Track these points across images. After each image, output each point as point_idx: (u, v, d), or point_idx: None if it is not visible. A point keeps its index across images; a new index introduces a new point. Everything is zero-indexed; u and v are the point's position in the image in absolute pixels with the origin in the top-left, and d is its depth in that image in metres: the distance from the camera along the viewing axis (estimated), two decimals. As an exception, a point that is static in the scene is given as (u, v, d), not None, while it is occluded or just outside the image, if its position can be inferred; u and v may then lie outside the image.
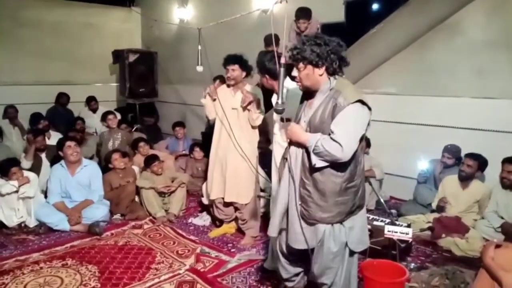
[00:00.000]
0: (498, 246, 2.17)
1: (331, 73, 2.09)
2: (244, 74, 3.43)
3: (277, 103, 2.11)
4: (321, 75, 2.09)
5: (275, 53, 2.26)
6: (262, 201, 4.31)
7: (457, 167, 3.97)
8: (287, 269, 2.44)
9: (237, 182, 3.59)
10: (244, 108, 3.46)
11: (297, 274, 2.45)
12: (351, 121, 2.01)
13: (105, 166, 4.81)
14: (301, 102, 2.28)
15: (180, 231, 4.07)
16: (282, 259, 2.43)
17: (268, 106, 3.38)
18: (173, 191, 4.49)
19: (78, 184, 4.31)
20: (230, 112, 3.53)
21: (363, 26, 4.53)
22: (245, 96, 3.40)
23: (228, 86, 3.58)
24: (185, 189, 4.64)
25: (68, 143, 4.29)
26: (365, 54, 4.62)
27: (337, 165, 2.07)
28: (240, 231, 3.88)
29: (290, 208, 2.24)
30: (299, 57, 2.08)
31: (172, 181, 4.58)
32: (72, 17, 7.64)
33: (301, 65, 2.10)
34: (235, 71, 3.39)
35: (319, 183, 2.10)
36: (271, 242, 2.96)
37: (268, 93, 3.21)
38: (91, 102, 7.04)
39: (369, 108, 2.08)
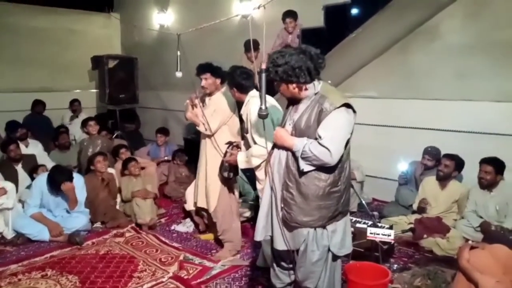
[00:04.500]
0: (473, 247, 2.19)
1: (303, 83, 2.10)
2: (218, 80, 3.43)
3: (260, 108, 2.11)
4: (294, 88, 2.12)
5: (253, 63, 2.27)
6: (245, 208, 4.31)
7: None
8: (280, 278, 2.43)
9: (205, 189, 3.54)
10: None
11: (290, 284, 2.44)
12: (338, 126, 2.04)
13: (87, 169, 4.74)
14: (287, 107, 2.30)
15: (163, 238, 4.03)
16: (276, 268, 2.42)
17: (240, 117, 3.40)
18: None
19: (61, 200, 4.19)
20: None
21: (342, 31, 4.58)
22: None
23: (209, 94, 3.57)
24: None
25: (63, 185, 4.08)
26: (345, 58, 4.67)
27: (322, 169, 2.08)
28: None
29: (273, 212, 2.24)
30: (271, 76, 2.13)
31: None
32: (50, 23, 7.51)
33: (276, 83, 2.16)
34: (207, 79, 3.39)
35: (302, 186, 2.11)
36: (263, 241, 2.96)
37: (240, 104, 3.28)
38: (75, 103, 7.02)
39: (354, 112, 2.11)
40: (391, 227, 3.24)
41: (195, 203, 3.74)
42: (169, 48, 6.71)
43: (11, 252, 3.80)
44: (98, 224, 4.37)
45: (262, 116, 2.13)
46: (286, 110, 2.31)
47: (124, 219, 4.39)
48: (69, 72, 7.71)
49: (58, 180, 4.07)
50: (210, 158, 3.46)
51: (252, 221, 4.14)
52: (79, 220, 4.16)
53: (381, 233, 3.01)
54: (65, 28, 7.71)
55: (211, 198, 3.50)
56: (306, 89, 2.13)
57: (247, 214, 4.29)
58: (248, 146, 3.18)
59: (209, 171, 3.48)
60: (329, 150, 1.98)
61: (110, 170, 4.75)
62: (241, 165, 3.12)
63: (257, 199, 3.45)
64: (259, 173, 3.13)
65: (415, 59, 4.58)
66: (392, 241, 3.19)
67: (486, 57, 4.09)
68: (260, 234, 2.31)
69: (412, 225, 3.80)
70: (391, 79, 4.80)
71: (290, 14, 4.83)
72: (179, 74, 3.58)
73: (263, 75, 2.09)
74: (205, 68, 3.38)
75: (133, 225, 4.33)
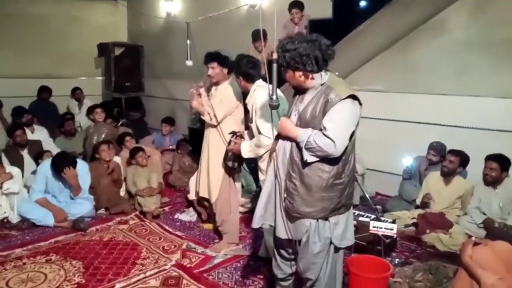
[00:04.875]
0: (476, 244, 2.19)
1: (310, 72, 2.09)
2: (225, 70, 3.41)
3: (271, 98, 2.10)
4: (300, 76, 2.11)
5: (262, 49, 2.26)
6: (247, 199, 4.32)
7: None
8: (282, 269, 2.44)
9: (208, 178, 3.53)
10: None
11: (291, 274, 2.45)
12: (343, 117, 2.03)
13: (92, 156, 4.77)
14: (293, 96, 2.29)
15: (166, 227, 4.06)
16: (278, 258, 2.44)
17: (244, 107, 3.41)
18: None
19: (65, 187, 4.21)
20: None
21: (350, 23, 4.56)
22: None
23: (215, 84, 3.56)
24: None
25: (65, 172, 4.09)
26: (352, 51, 4.64)
27: (326, 160, 2.07)
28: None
29: (277, 201, 2.25)
30: (279, 62, 2.12)
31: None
32: (56, 10, 7.50)
33: (282, 69, 2.15)
34: (214, 68, 3.37)
35: (306, 177, 2.11)
36: (265, 231, 2.99)
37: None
38: (76, 91, 7.01)
39: (360, 104, 2.10)
40: (394, 221, 3.24)
41: (197, 193, 3.76)
42: (176, 37, 6.73)
43: (16, 236, 3.84)
44: (102, 211, 4.41)
45: (273, 106, 2.12)
46: (292, 100, 2.30)
47: (127, 205, 4.44)
48: (75, 59, 7.71)
49: (61, 166, 4.09)
50: (213, 148, 3.47)
51: (253, 212, 4.16)
52: (83, 206, 4.19)
53: (383, 227, 3.02)
54: (72, 15, 7.70)
55: (213, 188, 3.50)
56: (312, 78, 2.12)
57: (249, 205, 4.30)
58: (252, 136, 3.18)
59: (211, 161, 3.48)
60: (333, 141, 1.98)
61: (116, 158, 4.78)
62: (245, 154, 3.12)
63: (260, 190, 3.45)
64: (262, 164, 3.13)
65: (420, 54, 4.55)
66: (395, 235, 3.20)
67: (491, 54, 4.06)
68: (257, 222, 2.33)
69: (415, 220, 3.81)
70: (397, 73, 4.78)
71: (296, 5, 4.80)
72: (189, 62, 3.57)
73: (274, 65, 2.08)
74: (213, 57, 3.37)
75: (137, 212, 4.37)
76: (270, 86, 2.14)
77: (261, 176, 3.21)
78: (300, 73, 2.10)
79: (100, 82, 8.08)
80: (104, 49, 7.24)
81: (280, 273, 2.45)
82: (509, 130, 3.99)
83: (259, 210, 2.33)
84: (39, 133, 5.54)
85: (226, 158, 3.31)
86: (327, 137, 1.99)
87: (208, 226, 4.03)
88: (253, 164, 3.97)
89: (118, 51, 7.11)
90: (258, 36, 4.91)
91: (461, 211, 3.87)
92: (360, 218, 3.43)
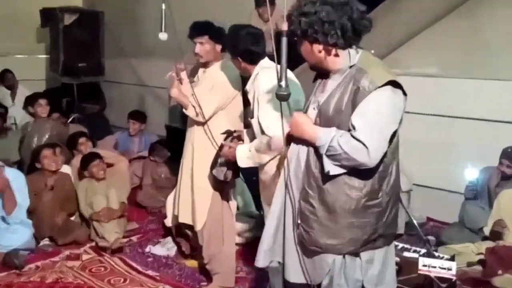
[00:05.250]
0: None
1: (333, 46, 2.06)
2: (218, 47, 3.42)
3: (280, 86, 2.09)
4: (320, 51, 2.10)
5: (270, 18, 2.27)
6: (245, 225, 4.32)
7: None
8: None
9: (192, 197, 3.54)
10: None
11: None
12: (379, 113, 2.02)
13: (31, 165, 4.76)
14: (313, 82, 2.30)
15: (133, 264, 4.07)
16: None
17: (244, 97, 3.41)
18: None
19: None
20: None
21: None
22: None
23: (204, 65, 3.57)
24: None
25: None
26: (392, 23, 4.65)
27: (356, 173, 2.06)
28: None
29: (287, 229, 2.25)
30: (292, 28, 2.09)
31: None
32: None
33: (297, 39, 2.14)
34: (204, 44, 3.37)
35: (327, 195, 2.10)
36: (270, 271, 2.98)
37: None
38: (7, 75, 7.02)
39: (405, 93, 2.09)
40: (452, 258, 3.23)
41: (176, 217, 3.76)
42: (147, 1, 6.74)
43: None
44: (46, 241, 4.40)
45: (282, 96, 2.10)
46: (311, 88, 2.30)
47: (81, 231, 4.46)
48: (7, 30, 7.66)
49: None
50: (199, 155, 3.48)
51: (254, 243, 4.16)
52: (18, 235, 4.17)
53: (438, 266, 3.01)
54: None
55: (198, 211, 3.51)
56: (336, 55, 2.10)
57: (248, 233, 4.32)
58: (253, 137, 3.16)
59: (196, 173, 3.49)
60: (365, 146, 1.96)
61: (65, 168, 4.77)
62: (242, 162, 3.09)
63: (263, 212, 3.45)
64: (265, 177, 3.13)
65: (490, 25, 4.55)
66: (454, 278, 3.19)
67: None
68: (262, 258, 2.33)
69: (482, 256, 3.80)
70: (455, 52, 4.79)
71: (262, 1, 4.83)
72: (163, 36, 3.57)
73: (284, 38, 2.07)
74: (203, 29, 3.37)
75: (93, 244, 4.37)
76: (279, 67, 2.14)
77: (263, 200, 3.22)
78: (320, 46, 2.09)
79: (43, 61, 8.14)
80: (49, 16, 7.28)
81: None
82: None
83: (266, 242, 2.32)
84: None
85: (214, 167, 3.29)
86: (357, 139, 1.97)
87: (192, 263, 4.04)
88: (254, 177, 3.98)
89: (69, 19, 7.15)
90: (263, -1, 4.94)
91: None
92: (405, 253, 3.43)
